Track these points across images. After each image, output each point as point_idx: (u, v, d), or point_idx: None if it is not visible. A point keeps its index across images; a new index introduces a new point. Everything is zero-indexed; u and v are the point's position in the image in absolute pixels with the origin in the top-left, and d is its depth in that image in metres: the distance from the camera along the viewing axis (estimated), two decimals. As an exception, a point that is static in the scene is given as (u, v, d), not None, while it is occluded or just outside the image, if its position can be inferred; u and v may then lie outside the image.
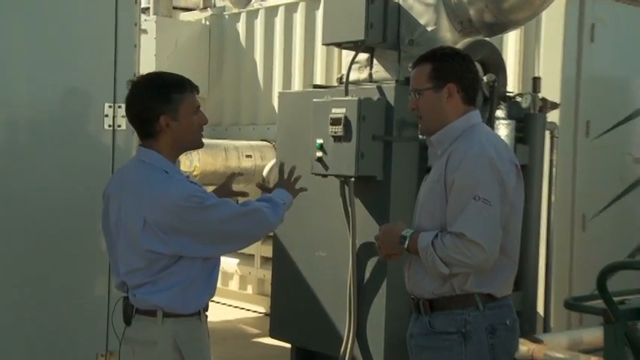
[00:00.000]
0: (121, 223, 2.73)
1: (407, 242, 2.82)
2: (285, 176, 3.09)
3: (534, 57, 5.67)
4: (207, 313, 2.85)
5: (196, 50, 7.53)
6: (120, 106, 3.95)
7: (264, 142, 6.75)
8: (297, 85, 6.81)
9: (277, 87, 6.97)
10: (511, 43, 5.72)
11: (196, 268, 2.74)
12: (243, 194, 3.24)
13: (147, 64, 6.52)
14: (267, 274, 6.52)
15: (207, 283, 2.79)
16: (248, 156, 6.51)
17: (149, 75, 2.85)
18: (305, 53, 6.82)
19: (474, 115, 2.88)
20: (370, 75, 4.69)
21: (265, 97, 7.12)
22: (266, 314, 6.65)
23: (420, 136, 4.19)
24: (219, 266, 2.87)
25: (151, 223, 2.65)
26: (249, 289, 7.39)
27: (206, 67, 7.58)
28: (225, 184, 3.20)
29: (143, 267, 2.70)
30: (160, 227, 2.65)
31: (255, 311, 7.28)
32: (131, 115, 2.80)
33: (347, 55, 4.81)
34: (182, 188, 2.68)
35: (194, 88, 2.80)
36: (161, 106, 2.71)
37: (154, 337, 2.71)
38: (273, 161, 6.24)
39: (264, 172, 6.37)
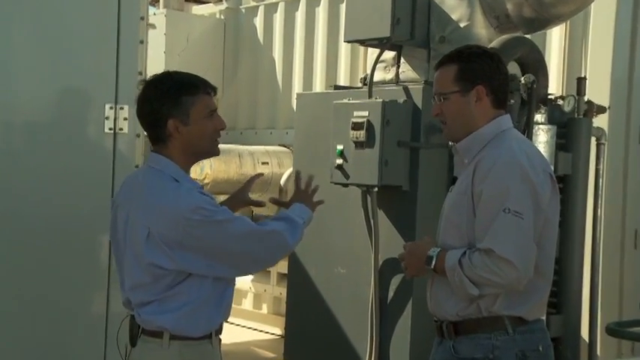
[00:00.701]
0: (128, 234, 2.75)
1: (434, 262, 2.84)
2: (303, 186, 3.05)
3: (581, 55, 5.64)
4: (220, 336, 2.85)
5: (210, 47, 7.59)
6: (122, 108, 4.02)
7: (283, 148, 6.78)
8: (318, 86, 6.84)
9: (297, 87, 7.00)
10: (555, 40, 5.70)
11: (207, 287, 2.74)
12: (259, 204, 3.23)
13: (156, 62, 6.58)
14: (284, 292, 6.50)
15: (219, 304, 2.79)
16: (264, 163, 6.54)
17: (161, 74, 2.84)
18: (328, 51, 6.85)
19: (505, 120, 2.90)
20: (397, 75, 4.71)
21: (284, 98, 7.16)
22: (282, 336, 6.67)
23: (451, 143, 4.24)
24: (233, 285, 2.86)
25: (155, 234, 2.66)
26: (264, 309, 7.42)
27: (220, 65, 7.64)
28: (243, 190, 3.17)
29: (148, 283, 2.71)
30: (164, 240, 2.66)
31: (270, 333, 7.31)
32: (140, 118, 2.81)
33: (372, 53, 4.83)
34: (190, 199, 2.68)
35: (210, 90, 2.80)
36: (170, 108, 2.71)
37: None
38: (291, 169, 6.27)
39: (282, 181, 6.41)
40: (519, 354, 2.77)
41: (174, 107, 2.72)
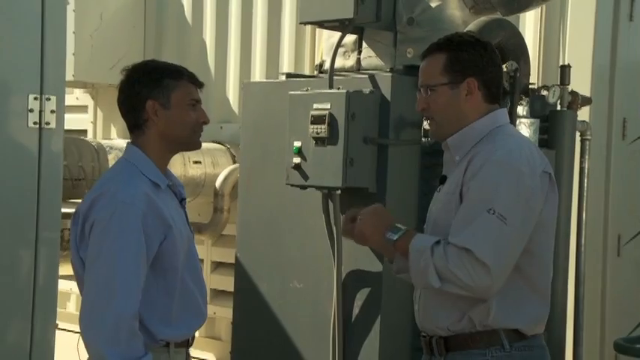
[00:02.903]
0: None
1: (398, 235, 2.97)
2: None
3: (559, 40, 5.79)
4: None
5: (128, 27, 7.54)
6: (49, 99, 4.04)
7: (217, 145, 6.82)
8: (258, 74, 6.87)
9: (233, 76, 7.02)
10: (529, 23, 5.83)
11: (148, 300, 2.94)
12: None
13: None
14: (219, 311, 6.58)
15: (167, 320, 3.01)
16: (196, 162, 6.57)
17: (145, 60, 3.14)
18: (269, 33, 6.90)
19: (501, 115, 3.07)
20: (358, 61, 4.78)
21: (218, 87, 7.18)
22: (218, 364, 6.75)
23: (424, 139, 4.39)
24: (183, 292, 3.06)
25: (86, 232, 2.91)
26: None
27: (140, 48, 7.60)
28: None
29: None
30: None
31: (202, 359, 7.36)
32: (120, 105, 3.06)
33: (330, 36, 4.89)
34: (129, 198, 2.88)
35: (195, 82, 3.06)
36: (150, 90, 2.96)
37: None
38: (229, 168, 6.35)
39: (217, 183, 6.47)
40: (517, 371, 2.93)
41: (154, 89, 2.97)
